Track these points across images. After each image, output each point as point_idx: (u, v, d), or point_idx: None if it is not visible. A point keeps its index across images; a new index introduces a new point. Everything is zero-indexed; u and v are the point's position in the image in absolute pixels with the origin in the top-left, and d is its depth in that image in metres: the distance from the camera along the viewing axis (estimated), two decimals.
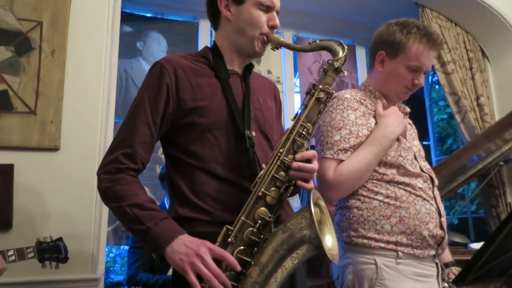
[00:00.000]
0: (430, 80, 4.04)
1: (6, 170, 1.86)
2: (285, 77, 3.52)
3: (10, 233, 1.83)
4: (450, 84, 3.13)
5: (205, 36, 3.29)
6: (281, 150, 1.12)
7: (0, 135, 1.88)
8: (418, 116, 3.87)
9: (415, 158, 1.47)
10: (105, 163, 1.16)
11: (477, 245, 2.49)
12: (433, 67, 3.13)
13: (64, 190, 1.96)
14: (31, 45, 2.00)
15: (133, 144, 1.14)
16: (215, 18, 1.31)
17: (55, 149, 1.96)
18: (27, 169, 1.91)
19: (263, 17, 1.23)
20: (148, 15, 3.32)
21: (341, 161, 1.38)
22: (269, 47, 1.28)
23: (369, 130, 1.43)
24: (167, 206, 2.46)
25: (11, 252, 1.49)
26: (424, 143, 3.72)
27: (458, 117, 3.13)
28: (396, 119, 1.45)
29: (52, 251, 1.60)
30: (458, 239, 2.63)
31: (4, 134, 1.89)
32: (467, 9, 3.20)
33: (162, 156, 2.87)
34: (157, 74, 1.20)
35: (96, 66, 2.12)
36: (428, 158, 3.87)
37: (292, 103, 3.47)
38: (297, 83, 3.69)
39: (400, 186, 1.40)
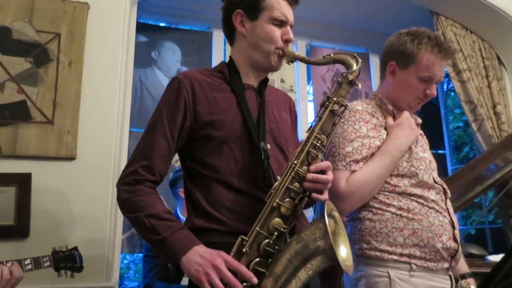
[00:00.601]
0: (445, 87, 3.99)
1: (23, 179, 1.90)
2: (298, 86, 3.52)
3: (27, 241, 1.86)
4: (466, 93, 3.09)
5: (218, 45, 3.32)
6: (296, 162, 1.13)
7: (19, 145, 1.92)
8: (433, 124, 3.83)
9: (427, 169, 1.46)
10: (124, 175, 1.19)
11: (495, 257, 2.44)
12: (448, 75, 3.10)
13: (80, 198, 1.98)
14: (49, 57, 2.05)
15: (152, 156, 1.18)
16: (230, 34, 1.34)
17: (71, 158, 1.99)
18: (44, 178, 1.94)
19: (277, 31, 1.26)
20: (163, 24, 3.37)
21: (353, 171, 1.37)
22: (284, 60, 1.30)
23: (381, 142, 1.42)
24: (180, 215, 2.47)
25: (28, 261, 1.51)
26: (439, 151, 3.67)
27: (474, 126, 3.09)
28: (407, 129, 1.44)
29: (67, 260, 1.61)
30: (475, 250, 2.56)
31: (22, 143, 1.93)
32: (483, 16, 3.16)
33: (177, 164, 2.90)
34: (175, 89, 1.23)
35: (112, 76, 2.15)
36: (444, 167, 3.83)
37: (306, 111, 3.47)
38: (311, 91, 3.69)
39: (412, 198, 1.39)
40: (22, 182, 1.89)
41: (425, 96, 1.49)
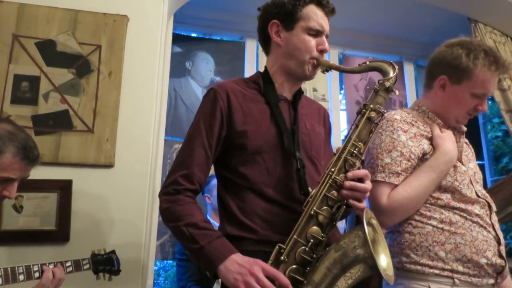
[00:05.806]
0: None
1: (65, 185, 1.96)
2: (331, 95, 3.50)
3: (67, 245, 1.92)
4: (506, 101, 2.98)
5: (251, 55, 3.35)
6: (333, 169, 1.13)
7: (61, 153, 2.00)
8: (471, 135, 3.71)
9: (471, 182, 1.41)
10: (165, 185, 1.22)
11: None
12: None
13: (117, 204, 2.03)
14: (91, 68, 2.13)
15: (190, 166, 1.20)
16: (266, 44, 1.37)
17: (110, 165, 2.04)
18: (84, 185, 2.00)
19: (312, 41, 1.28)
20: (197, 35, 3.44)
21: (394, 185, 1.34)
22: (319, 70, 1.31)
23: (421, 152, 1.38)
24: (210, 219, 2.52)
25: (68, 263, 1.56)
26: (478, 162, 3.54)
27: None
28: (453, 144, 1.40)
29: (106, 263, 1.66)
30: None
31: (64, 151, 2.00)
32: None
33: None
34: (211, 99, 1.26)
35: (149, 86, 2.21)
36: (482, 178, 3.68)
37: (338, 121, 3.44)
38: (343, 101, 3.66)
39: (455, 211, 1.34)
40: (64, 188, 1.96)
41: (475, 111, 1.45)
